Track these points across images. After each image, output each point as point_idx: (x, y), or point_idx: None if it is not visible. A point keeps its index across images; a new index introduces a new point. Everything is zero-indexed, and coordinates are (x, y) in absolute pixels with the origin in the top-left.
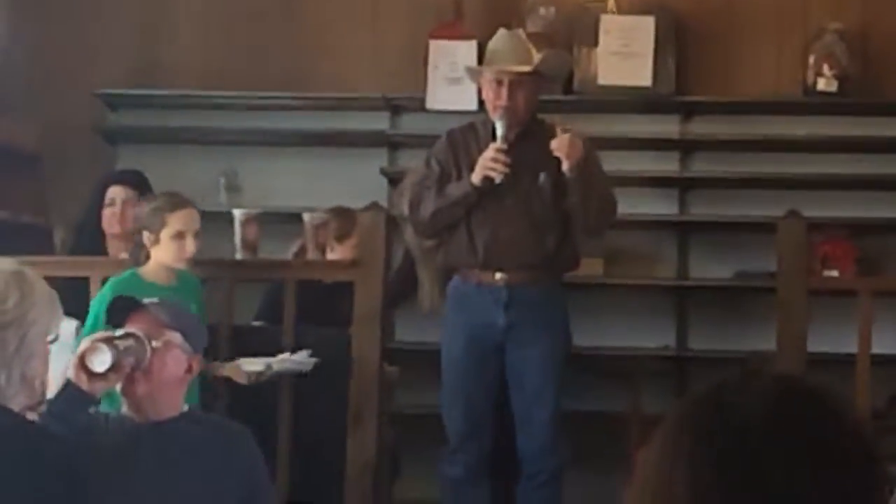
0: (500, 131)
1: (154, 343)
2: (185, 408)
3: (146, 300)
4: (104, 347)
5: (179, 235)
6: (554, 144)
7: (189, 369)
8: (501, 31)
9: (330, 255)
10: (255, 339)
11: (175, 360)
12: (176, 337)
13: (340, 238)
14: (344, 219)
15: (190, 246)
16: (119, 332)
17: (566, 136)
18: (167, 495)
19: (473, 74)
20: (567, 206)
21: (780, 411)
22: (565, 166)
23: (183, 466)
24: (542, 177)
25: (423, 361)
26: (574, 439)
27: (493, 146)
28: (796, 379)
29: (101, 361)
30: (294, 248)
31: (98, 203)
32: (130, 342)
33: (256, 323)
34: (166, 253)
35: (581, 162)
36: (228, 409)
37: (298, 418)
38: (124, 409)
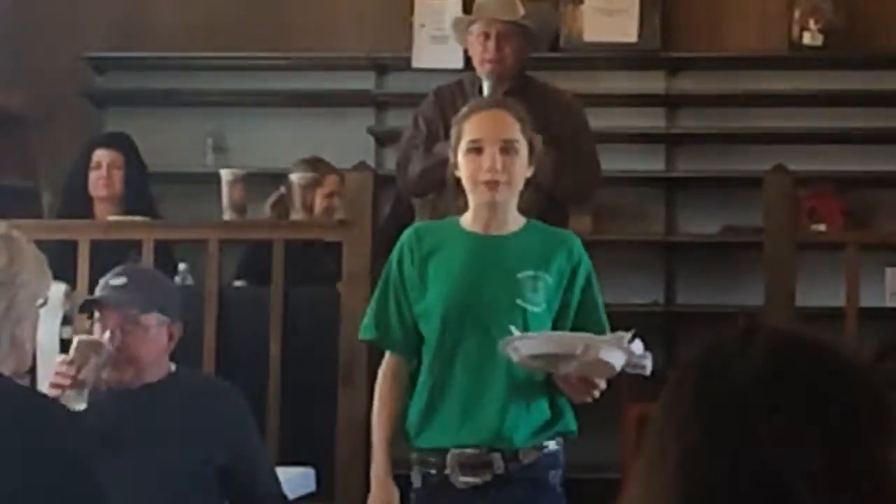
0: (486, 90)
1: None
2: (172, 367)
3: (112, 282)
4: (72, 395)
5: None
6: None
7: (170, 337)
8: None
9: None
10: (239, 301)
11: (154, 339)
12: (151, 319)
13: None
14: (312, 168)
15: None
16: (69, 355)
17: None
18: (158, 455)
19: (460, 27)
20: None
21: (777, 371)
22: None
23: (171, 426)
24: None
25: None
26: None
27: None
28: (791, 336)
29: (80, 402)
30: (272, 199)
31: (84, 166)
32: (90, 362)
33: (238, 283)
34: None
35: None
36: (218, 369)
37: (288, 376)
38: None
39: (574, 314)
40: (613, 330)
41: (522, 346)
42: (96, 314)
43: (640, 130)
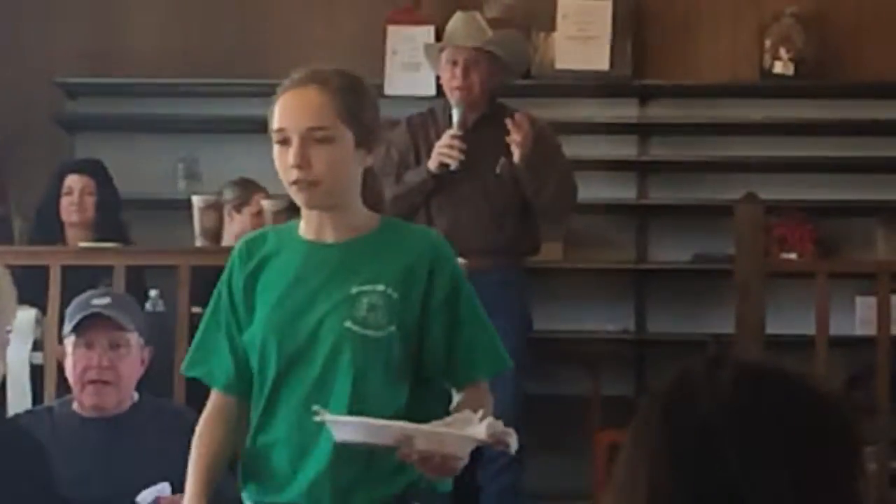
0: (455, 117)
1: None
2: (136, 396)
3: (96, 301)
4: None
5: None
6: (512, 132)
7: (142, 362)
8: (458, 14)
9: (229, 226)
10: None
11: (134, 360)
12: (134, 338)
13: (238, 207)
14: (241, 188)
15: None
16: None
17: (522, 123)
18: (123, 485)
19: (430, 54)
20: (525, 193)
21: (744, 401)
22: (516, 157)
23: (136, 454)
24: (500, 162)
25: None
26: (534, 423)
27: (448, 133)
28: (760, 366)
29: None
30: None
31: (56, 192)
32: None
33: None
34: None
35: (529, 150)
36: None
37: None
38: (75, 405)
39: (436, 340)
40: (581, 361)
41: (334, 429)
42: (72, 337)
43: (612, 158)
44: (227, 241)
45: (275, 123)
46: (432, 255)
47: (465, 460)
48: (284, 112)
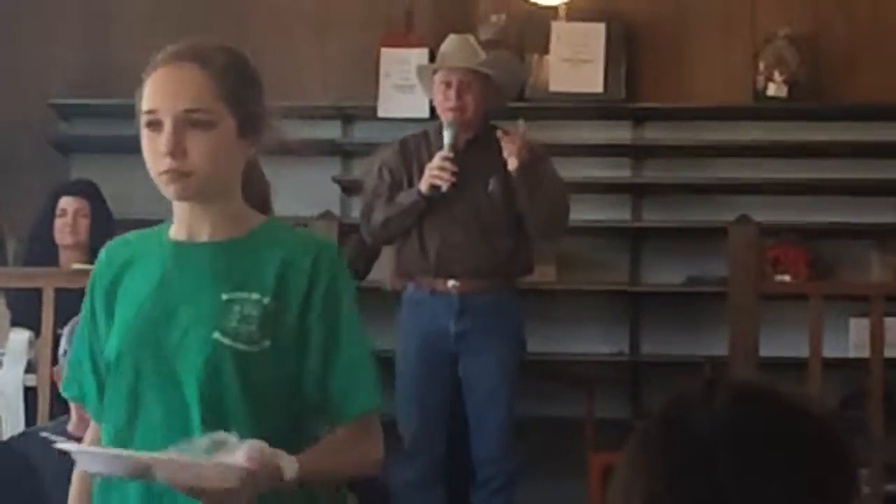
0: (447, 139)
1: None
2: None
3: None
4: None
5: None
6: (506, 142)
7: None
8: (452, 36)
9: None
10: None
11: None
12: None
13: None
14: None
15: None
16: None
17: (518, 134)
18: None
19: (423, 77)
20: (518, 209)
21: (740, 424)
22: (511, 165)
23: None
24: (491, 183)
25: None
26: (528, 445)
27: (439, 154)
28: (757, 389)
29: None
30: None
31: (49, 214)
32: None
33: None
34: None
35: (527, 162)
36: None
37: None
38: (69, 427)
39: (313, 355)
40: (575, 383)
41: (76, 459)
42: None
43: (606, 180)
44: None
45: (144, 104)
46: (313, 261)
47: (246, 493)
48: (156, 91)
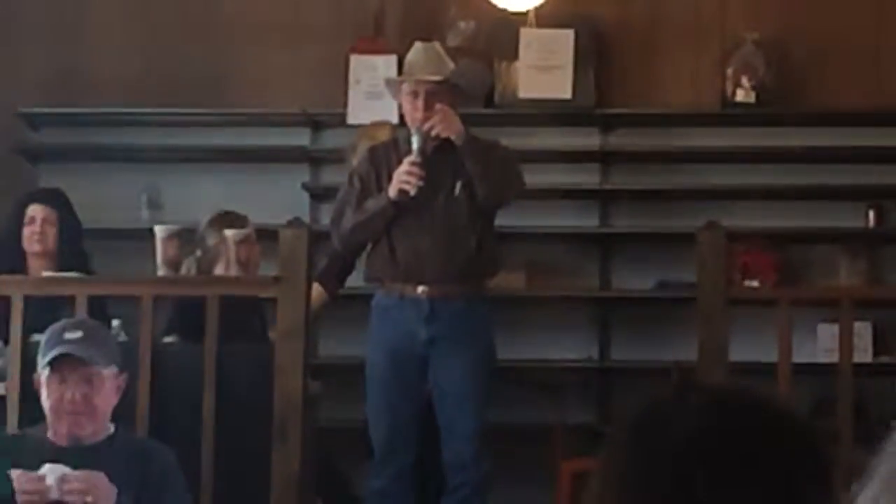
0: (415, 144)
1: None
2: (111, 428)
3: (68, 335)
4: None
5: None
6: (434, 122)
7: (118, 390)
8: (417, 45)
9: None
10: (172, 358)
11: (109, 392)
12: (108, 372)
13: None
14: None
15: None
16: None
17: (438, 112)
18: None
19: (391, 86)
20: (470, 175)
21: (712, 429)
22: (455, 139)
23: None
24: (457, 186)
25: (346, 376)
26: (499, 451)
27: (407, 160)
28: (729, 392)
29: None
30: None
31: (18, 222)
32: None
33: (168, 339)
34: None
35: (461, 128)
36: (151, 427)
37: (222, 432)
38: (50, 433)
39: None
40: (545, 390)
41: None
42: (47, 370)
43: (575, 186)
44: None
45: None
46: None
47: None
48: None
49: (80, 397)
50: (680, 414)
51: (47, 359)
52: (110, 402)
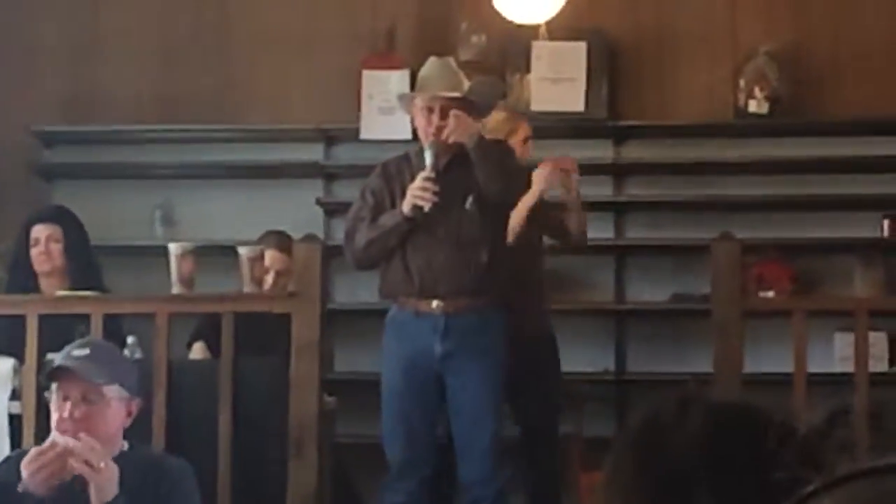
0: (428, 160)
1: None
2: (125, 445)
3: (75, 353)
4: None
5: None
6: (449, 128)
7: (129, 413)
8: (432, 59)
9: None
10: (190, 373)
11: (114, 413)
12: (113, 391)
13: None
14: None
15: None
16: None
17: (453, 119)
18: None
19: (405, 102)
20: (479, 179)
21: (715, 442)
22: (468, 140)
23: None
24: (469, 200)
25: (362, 391)
26: (516, 465)
27: (421, 175)
28: (731, 407)
29: None
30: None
31: (25, 243)
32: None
33: (196, 344)
34: None
35: (475, 132)
36: (169, 443)
37: (239, 447)
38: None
39: None
40: (574, 399)
41: None
42: (54, 385)
43: (588, 199)
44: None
45: None
46: None
47: None
48: None
49: (80, 414)
50: (681, 428)
51: (46, 370)
52: (116, 421)
